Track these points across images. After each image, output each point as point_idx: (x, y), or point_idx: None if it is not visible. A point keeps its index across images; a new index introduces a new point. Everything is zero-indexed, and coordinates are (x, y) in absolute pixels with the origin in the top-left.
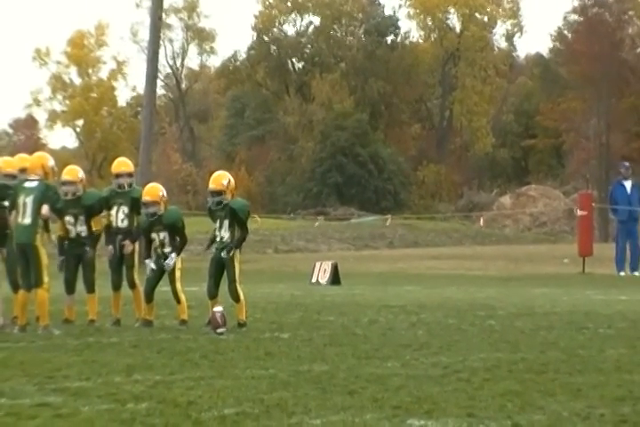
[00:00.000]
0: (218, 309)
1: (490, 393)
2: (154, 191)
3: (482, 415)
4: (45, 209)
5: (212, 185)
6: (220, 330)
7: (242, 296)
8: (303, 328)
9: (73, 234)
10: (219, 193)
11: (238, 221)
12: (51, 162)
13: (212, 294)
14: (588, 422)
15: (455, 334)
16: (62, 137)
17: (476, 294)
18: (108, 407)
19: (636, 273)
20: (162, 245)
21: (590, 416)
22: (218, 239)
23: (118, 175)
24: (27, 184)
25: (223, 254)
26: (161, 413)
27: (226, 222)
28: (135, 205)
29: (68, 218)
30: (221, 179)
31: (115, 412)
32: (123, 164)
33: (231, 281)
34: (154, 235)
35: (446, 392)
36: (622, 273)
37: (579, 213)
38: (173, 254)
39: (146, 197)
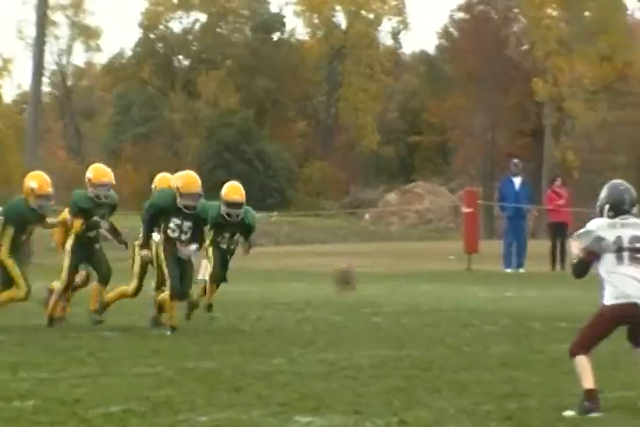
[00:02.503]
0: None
1: (376, 390)
2: (242, 191)
3: (368, 412)
4: None
5: (235, 196)
6: None
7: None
8: (189, 325)
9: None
10: (241, 205)
11: (247, 234)
12: (31, 183)
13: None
14: (474, 419)
15: (341, 331)
16: None
17: (362, 291)
18: None
19: (522, 270)
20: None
21: (476, 413)
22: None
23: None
24: None
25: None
26: (47, 411)
27: (237, 235)
28: None
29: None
30: (241, 189)
31: (0, 410)
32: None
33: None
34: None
35: (332, 389)
36: (509, 270)
37: (464, 210)
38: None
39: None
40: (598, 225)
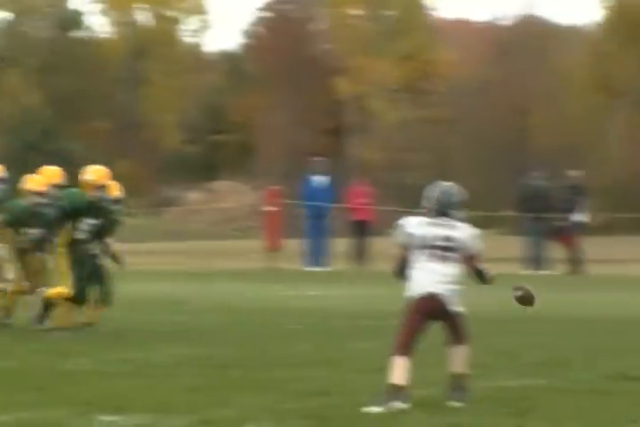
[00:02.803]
0: None
1: (179, 388)
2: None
3: (171, 411)
4: None
5: (117, 193)
6: None
7: None
8: None
9: None
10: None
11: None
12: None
13: None
14: (277, 417)
15: (145, 330)
16: None
17: (167, 288)
18: None
19: (324, 268)
20: None
21: (279, 411)
22: None
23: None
24: None
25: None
26: None
27: None
28: None
29: None
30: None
31: None
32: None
33: None
34: None
35: (136, 388)
36: (311, 268)
37: (265, 208)
38: None
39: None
40: (411, 222)
